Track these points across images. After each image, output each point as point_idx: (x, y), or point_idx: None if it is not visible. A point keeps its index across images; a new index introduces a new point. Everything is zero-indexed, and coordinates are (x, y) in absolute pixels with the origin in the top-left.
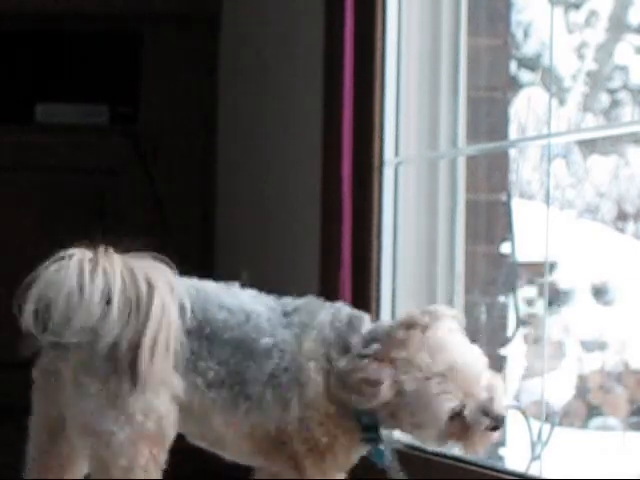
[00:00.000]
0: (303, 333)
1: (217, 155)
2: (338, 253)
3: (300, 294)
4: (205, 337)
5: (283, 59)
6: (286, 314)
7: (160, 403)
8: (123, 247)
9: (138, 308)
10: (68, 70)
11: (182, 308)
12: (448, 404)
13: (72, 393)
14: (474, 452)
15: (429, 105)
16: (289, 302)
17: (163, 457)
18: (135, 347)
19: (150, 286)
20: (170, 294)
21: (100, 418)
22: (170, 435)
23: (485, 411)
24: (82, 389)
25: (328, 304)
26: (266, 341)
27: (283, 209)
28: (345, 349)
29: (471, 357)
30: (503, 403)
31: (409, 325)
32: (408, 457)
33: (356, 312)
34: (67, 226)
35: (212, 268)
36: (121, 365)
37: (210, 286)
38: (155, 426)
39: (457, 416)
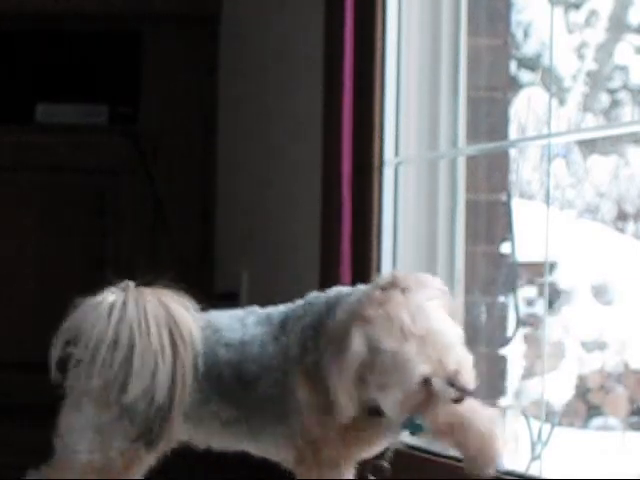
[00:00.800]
0: (289, 341)
1: (217, 155)
2: (338, 253)
3: (300, 294)
4: (213, 379)
5: (283, 59)
6: (283, 325)
7: (116, 441)
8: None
9: (158, 364)
10: (68, 70)
11: (195, 357)
12: (422, 368)
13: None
14: (435, 427)
15: (429, 105)
16: (291, 310)
17: None
18: (156, 406)
19: (173, 341)
20: (189, 346)
21: (78, 436)
22: (119, 473)
23: (452, 382)
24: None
25: (324, 296)
26: (254, 367)
27: (283, 209)
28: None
29: (448, 327)
30: (471, 378)
31: (390, 284)
32: (408, 457)
33: (344, 289)
34: (67, 226)
35: (212, 268)
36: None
37: (225, 321)
38: (118, 462)
39: (424, 384)
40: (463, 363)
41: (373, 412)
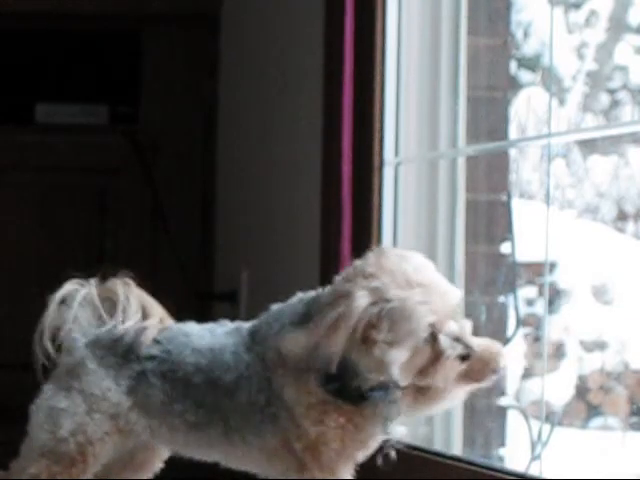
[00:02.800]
0: (264, 348)
1: (217, 155)
2: (338, 253)
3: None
4: (178, 380)
5: (283, 59)
6: (252, 335)
7: (93, 426)
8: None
9: None
10: (68, 70)
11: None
12: (430, 316)
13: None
14: (442, 386)
15: (429, 105)
16: (258, 321)
17: (63, 478)
18: None
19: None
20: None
21: (34, 418)
22: (85, 461)
23: (458, 338)
24: (43, 392)
25: (286, 305)
26: (230, 376)
27: (283, 209)
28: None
29: (450, 284)
30: (471, 338)
31: (379, 253)
32: (408, 457)
33: (313, 294)
34: (67, 226)
35: (212, 268)
36: None
37: (195, 331)
38: (70, 445)
39: (430, 341)
40: (465, 324)
41: (357, 398)
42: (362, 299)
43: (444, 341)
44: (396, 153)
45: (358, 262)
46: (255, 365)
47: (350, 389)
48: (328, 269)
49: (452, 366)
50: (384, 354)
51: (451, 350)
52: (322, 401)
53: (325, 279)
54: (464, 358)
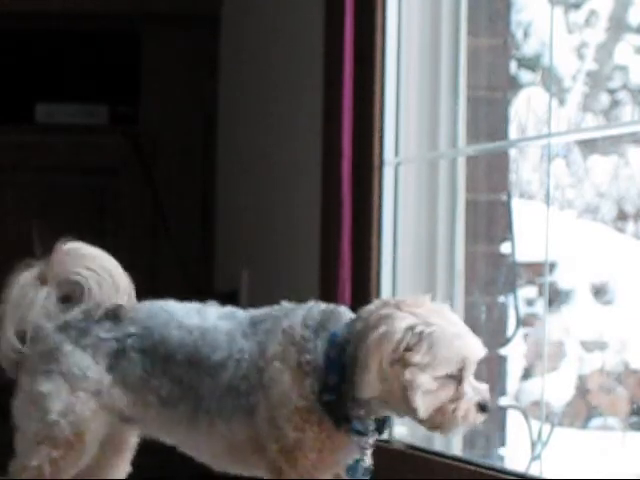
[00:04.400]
0: (267, 339)
1: (217, 155)
2: (338, 253)
3: (300, 294)
4: (159, 356)
5: (283, 59)
6: (254, 324)
7: (80, 405)
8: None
9: None
10: (68, 70)
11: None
12: (465, 350)
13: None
14: (452, 427)
15: (429, 105)
16: (263, 312)
17: (66, 463)
18: None
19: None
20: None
21: (19, 410)
22: (81, 440)
23: (479, 390)
24: (18, 387)
25: (300, 306)
26: (219, 354)
27: (283, 209)
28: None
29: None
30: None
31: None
32: (409, 457)
33: (330, 306)
34: (67, 226)
35: (212, 268)
36: None
37: (178, 308)
38: (63, 426)
39: (457, 379)
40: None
41: (341, 420)
42: (404, 320)
43: (469, 384)
44: (396, 153)
45: (383, 300)
46: (250, 352)
47: (343, 407)
48: (328, 269)
49: (469, 410)
50: (415, 377)
51: (473, 395)
52: (309, 408)
53: (325, 279)
54: (482, 409)
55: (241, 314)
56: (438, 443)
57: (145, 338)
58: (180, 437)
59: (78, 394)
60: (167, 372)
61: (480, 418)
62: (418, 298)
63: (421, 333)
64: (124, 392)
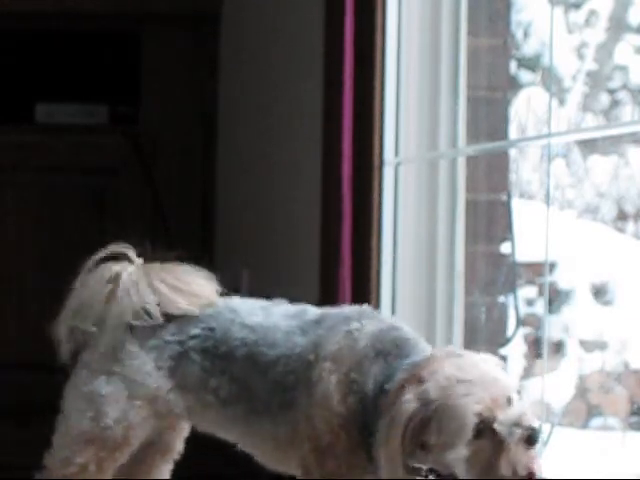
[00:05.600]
0: (327, 335)
1: (217, 155)
2: (338, 253)
3: (300, 294)
4: (219, 356)
5: (283, 59)
6: (318, 322)
7: (134, 412)
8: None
9: None
10: (68, 70)
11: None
12: (475, 406)
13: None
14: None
15: (429, 105)
16: (332, 311)
17: (109, 465)
18: None
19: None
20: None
21: (72, 405)
22: (128, 444)
23: (516, 422)
24: (75, 379)
25: (379, 317)
26: (274, 352)
27: (283, 209)
28: (383, 370)
29: (503, 375)
30: (534, 420)
31: (433, 357)
32: None
33: (409, 334)
34: (67, 226)
35: (212, 268)
36: None
37: (245, 306)
38: (115, 431)
39: (486, 430)
40: (523, 407)
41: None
42: (408, 404)
43: (500, 429)
44: (396, 153)
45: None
46: (303, 346)
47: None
48: (328, 269)
49: (518, 452)
50: (441, 457)
51: (511, 436)
52: (348, 416)
53: (325, 279)
54: (530, 441)
55: (311, 312)
56: None
57: (207, 339)
58: (238, 437)
59: (135, 402)
60: (226, 371)
61: (532, 452)
62: (435, 360)
63: (425, 414)
64: (182, 395)
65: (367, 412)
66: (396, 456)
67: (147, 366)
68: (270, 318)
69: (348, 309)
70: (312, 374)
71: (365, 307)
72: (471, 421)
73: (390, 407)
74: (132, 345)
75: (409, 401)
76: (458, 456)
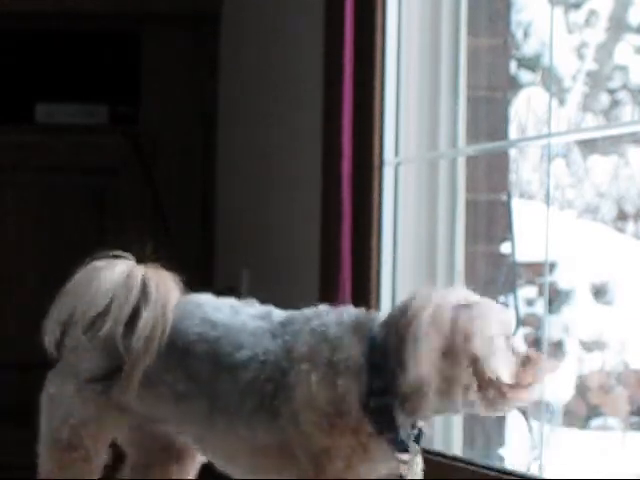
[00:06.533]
0: (294, 340)
1: (217, 155)
2: (338, 253)
3: (300, 294)
4: (175, 349)
5: (283, 59)
6: (284, 325)
7: (85, 410)
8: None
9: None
10: (68, 70)
11: (163, 330)
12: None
13: None
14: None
15: (429, 105)
16: (296, 313)
17: (70, 470)
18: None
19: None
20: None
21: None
22: (82, 445)
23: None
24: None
25: (334, 309)
26: (242, 354)
27: (283, 209)
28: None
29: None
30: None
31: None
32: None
33: (363, 310)
34: (67, 226)
35: (212, 268)
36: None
37: (210, 302)
38: (62, 432)
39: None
40: None
41: (390, 428)
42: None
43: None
44: (396, 153)
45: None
46: (275, 353)
47: (389, 414)
48: (328, 269)
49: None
50: (485, 365)
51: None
52: (340, 413)
53: (325, 279)
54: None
55: (276, 314)
56: (438, 443)
57: None
58: (196, 437)
59: (82, 394)
60: (183, 365)
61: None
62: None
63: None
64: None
65: (373, 372)
66: (431, 375)
67: (97, 357)
68: (237, 317)
69: (307, 310)
70: (289, 380)
71: (321, 306)
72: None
73: (413, 328)
74: (85, 341)
75: (433, 315)
76: (498, 365)
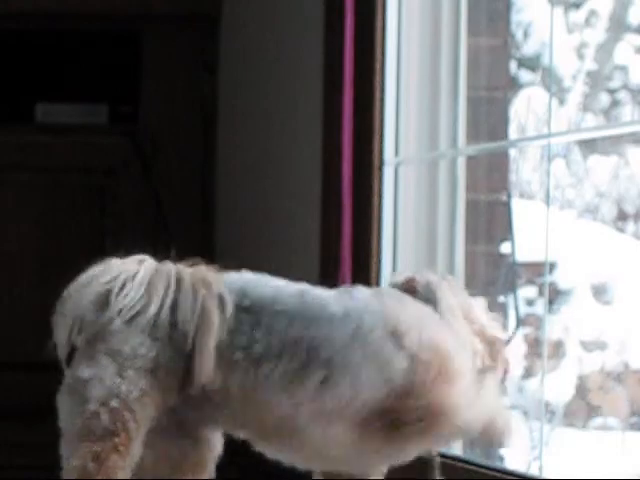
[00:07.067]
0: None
1: (217, 155)
2: (338, 253)
3: None
4: (244, 310)
5: (283, 59)
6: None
7: (130, 390)
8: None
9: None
10: (68, 70)
11: (221, 300)
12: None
13: None
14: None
15: (429, 105)
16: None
17: (111, 458)
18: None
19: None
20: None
21: (62, 411)
22: (130, 428)
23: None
24: (65, 378)
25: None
26: (335, 308)
27: (283, 209)
28: None
29: None
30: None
31: None
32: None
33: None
34: (67, 226)
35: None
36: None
37: (259, 275)
38: (106, 418)
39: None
40: None
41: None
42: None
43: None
44: (396, 153)
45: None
46: (373, 304)
47: None
48: (328, 269)
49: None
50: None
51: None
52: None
53: (325, 278)
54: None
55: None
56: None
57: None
58: (274, 410)
59: (126, 373)
60: (260, 325)
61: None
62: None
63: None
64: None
65: None
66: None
67: (137, 338)
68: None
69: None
70: (399, 326)
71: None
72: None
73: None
74: (115, 323)
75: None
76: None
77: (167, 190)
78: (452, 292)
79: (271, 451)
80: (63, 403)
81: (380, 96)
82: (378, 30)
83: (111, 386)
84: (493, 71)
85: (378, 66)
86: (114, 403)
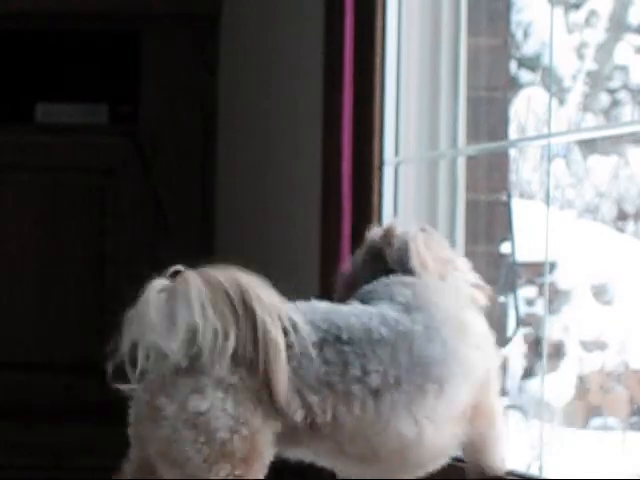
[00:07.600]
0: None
1: (217, 155)
2: (338, 253)
3: (300, 294)
4: (345, 343)
5: (283, 59)
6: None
7: (251, 417)
8: None
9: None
10: (68, 70)
11: (293, 323)
12: None
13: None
14: None
15: (429, 105)
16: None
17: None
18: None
19: (246, 308)
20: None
21: (176, 442)
22: (263, 453)
23: None
24: (158, 415)
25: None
26: (417, 327)
27: (283, 209)
28: None
29: None
30: None
31: None
32: None
33: None
34: (67, 226)
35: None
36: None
37: (315, 302)
38: (241, 444)
39: None
40: None
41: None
42: None
43: None
44: (396, 153)
45: None
46: (443, 306)
47: None
48: (328, 269)
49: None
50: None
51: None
52: None
53: (325, 279)
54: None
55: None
56: None
57: (318, 330)
58: (392, 436)
59: (243, 404)
60: (367, 357)
61: None
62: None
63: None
64: (298, 393)
65: None
66: None
67: (239, 369)
68: (354, 307)
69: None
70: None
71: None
72: None
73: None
74: (209, 355)
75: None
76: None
77: (167, 190)
78: (428, 244)
79: (360, 473)
80: (174, 439)
81: (380, 95)
82: (378, 30)
83: (234, 415)
84: (493, 71)
85: (378, 65)
86: (244, 431)
